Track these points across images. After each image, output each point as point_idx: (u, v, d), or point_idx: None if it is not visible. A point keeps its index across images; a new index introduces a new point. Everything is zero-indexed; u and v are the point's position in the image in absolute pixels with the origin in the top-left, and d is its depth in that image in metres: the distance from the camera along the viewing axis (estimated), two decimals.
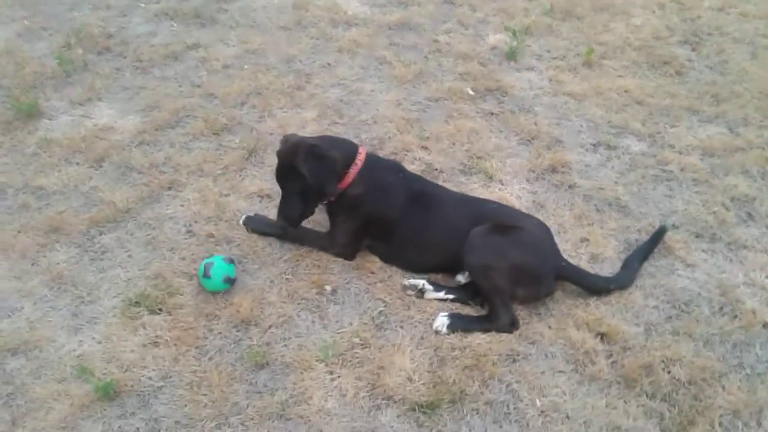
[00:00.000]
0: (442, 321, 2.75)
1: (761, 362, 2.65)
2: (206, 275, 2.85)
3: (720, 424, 2.43)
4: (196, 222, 3.20)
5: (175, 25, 4.53)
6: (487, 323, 2.77)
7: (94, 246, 3.09)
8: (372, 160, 2.97)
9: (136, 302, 2.85)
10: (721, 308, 2.83)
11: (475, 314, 2.83)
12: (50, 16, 4.67)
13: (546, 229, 2.94)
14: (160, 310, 2.83)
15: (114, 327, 2.77)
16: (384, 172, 2.97)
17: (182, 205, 3.27)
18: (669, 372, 2.60)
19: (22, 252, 3.06)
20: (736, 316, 2.79)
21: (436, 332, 2.74)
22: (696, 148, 3.57)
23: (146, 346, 2.71)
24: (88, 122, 3.77)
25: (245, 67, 4.15)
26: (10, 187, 3.38)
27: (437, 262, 2.98)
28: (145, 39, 4.37)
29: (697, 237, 3.12)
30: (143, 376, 2.60)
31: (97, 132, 3.68)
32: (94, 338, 2.74)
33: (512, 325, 2.75)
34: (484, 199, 3.10)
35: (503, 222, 2.85)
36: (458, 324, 2.76)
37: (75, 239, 3.13)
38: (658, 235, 3.02)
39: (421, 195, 2.94)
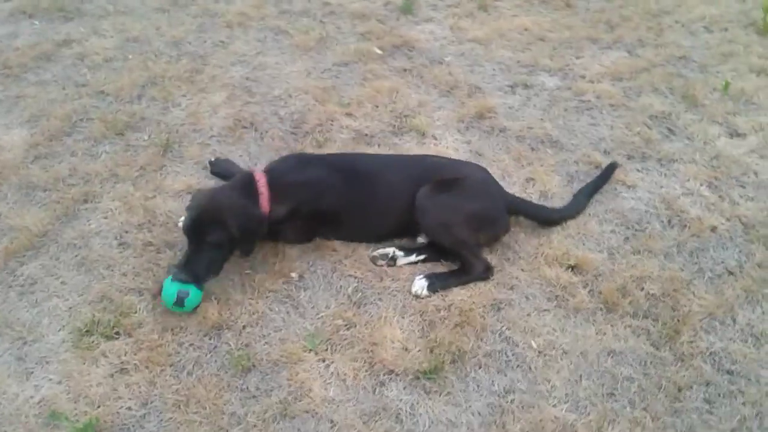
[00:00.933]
0: (420, 284, 2.70)
1: (718, 264, 2.82)
2: (179, 304, 2.58)
3: (701, 329, 2.57)
4: (126, 232, 2.92)
5: (36, 22, 4.06)
6: (463, 275, 2.75)
7: (18, 279, 2.75)
8: (274, 174, 2.76)
9: (86, 331, 2.56)
10: (669, 221, 2.98)
11: (448, 270, 2.79)
12: None
13: (485, 171, 2.96)
14: (117, 334, 2.57)
15: (70, 363, 2.48)
16: (295, 176, 2.79)
17: (105, 217, 2.97)
18: (642, 289, 2.71)
19: None
20: (685, 226, 2.94)
21: (416, 296, 2.68)
22: (605, 75, 3.70)
23: (113, 376, 2.45)
24: None
25: (129, 57, 3.80)
26: None
27: (392, 230, 2.91)
28: (6, 42, 3.89)
29: (629, 159, 3.25)
30: (120, 407, 2.36)
31: None
32: (50, 379, 2.44)
33: (487, 271, 2.76)
34: (415, 156, 3.06)
35: (443, 176, 2.81)
36: (436, 283, 2.72)
37: None
38: (609, 170, 3.11)
39: (352, 173, 2.82)
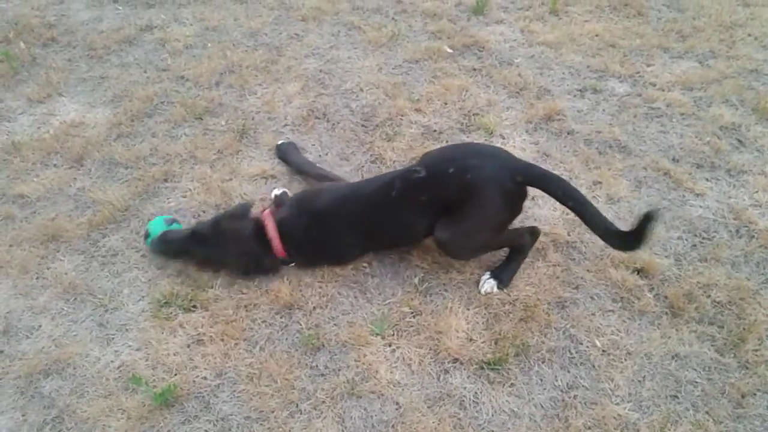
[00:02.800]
0: (490, 284, 2.73)
1: None
2: (145, 235, 2.81)
3: (767, 337, 2.57)
4: (204, 212, 3.03)
5: (120, 8, 4.22)
6: (519, 255, 2.78)
7: (101, 250, 2.89)
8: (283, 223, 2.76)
9: (165, 302, 2.69)
10: (737, 231, 2.96)
11: (505, 259, 2.80)
12: None
13: (480, 152, 2.67)
14: (194, 307, 2.69)
15: (149, 332, 2.61)
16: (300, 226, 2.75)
17: (184, 196, 3.09)
18: (709, 296, 2.70)
19: (22, 266, 2.82)
20: (753, 237, 2.93)
21: (486, 294, 2.72)
22: (675, 84, 3.69)
23: (190, 346, 2.57)
24: (54, 120, 3.47)
25: (208, 45, 3.93)
26: None
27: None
28: (91, 26, 4.06)
29: (698, 167, 3.24)
30: (196, 376, 2.47)
31: (68, 129, 3.40)
32: (130, 346, 2.57)
33: (534, 236, 2.81)
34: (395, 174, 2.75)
35: (450, 189, 2.54)
36: (505, 279, 2.75)
37: (77, 246, 2.91)
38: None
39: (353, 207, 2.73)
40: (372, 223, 2.68)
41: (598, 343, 2.56)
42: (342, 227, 2.71)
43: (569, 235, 2.92)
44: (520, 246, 2.77)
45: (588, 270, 2.81)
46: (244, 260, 2.74)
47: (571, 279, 2.78)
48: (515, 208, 2.65)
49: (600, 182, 3.16)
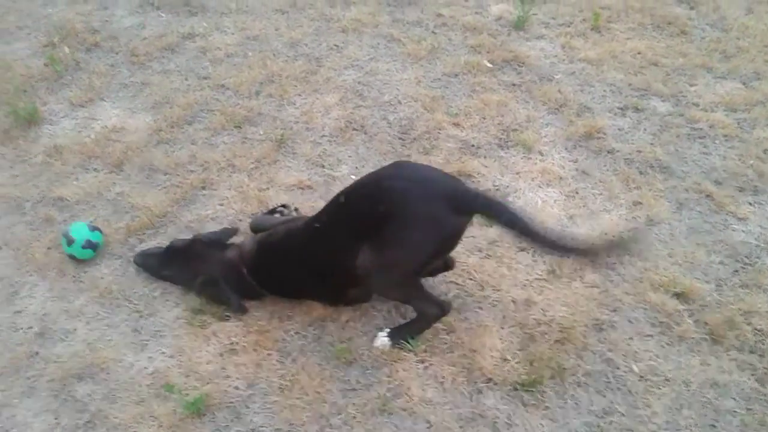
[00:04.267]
0: (382, 341, 2.57)
1: None
2: (69, 242, 2.81)
3: None
4: (240, 220, 3.04)
5: (163, 15, 4.28)
6: (422, 323, 2.57)
7: None
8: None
9: (199, 310, 2.70)
10: None
11: (406, 322, 2.62)
12: (24, 15, 4.34)
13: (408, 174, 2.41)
14: (228, 316, 2.69)
15: (183, 338, 2.61)
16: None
17: (221, 204, 3.11)
18: (750, 324, 2.63)
19: (60, 269, 2.86)
20: None
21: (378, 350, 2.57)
22: (719, 105, 3.62)
23: (223, 355, 2.57)
24: (95, 124, 3.53)
25: (249, 54, 3.96)
26: (27, 201, 3.15)
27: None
28: (134, 32, 4.11)
29: (741, 191, 3.17)
30: (228, 386, 2.47)
31: (108, 134, 3.45)
32: (163, 353, 2.58)
33: (442, 311, 2.54)
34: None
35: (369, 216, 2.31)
36: (398, 337, 2.57)
37: (114, 250, 2.94)
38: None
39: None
40: (309, 259, 2.51)
41: (635, 368, 2.51)
42: (288, 262, 2.58)
43: (608, 256, 2.87)
44: (422, 314, 2.55)
45: (626, 292, 2.75)
46: (210, 290, 2.69)
47: (608, 301, 2.73)
48: (446, 240, 2.37)
49: (640, 203, 3.11)
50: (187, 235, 2.93)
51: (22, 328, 2.67)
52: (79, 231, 2.84)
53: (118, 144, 3.39)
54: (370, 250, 2.32)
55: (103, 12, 4.34)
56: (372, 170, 3.16)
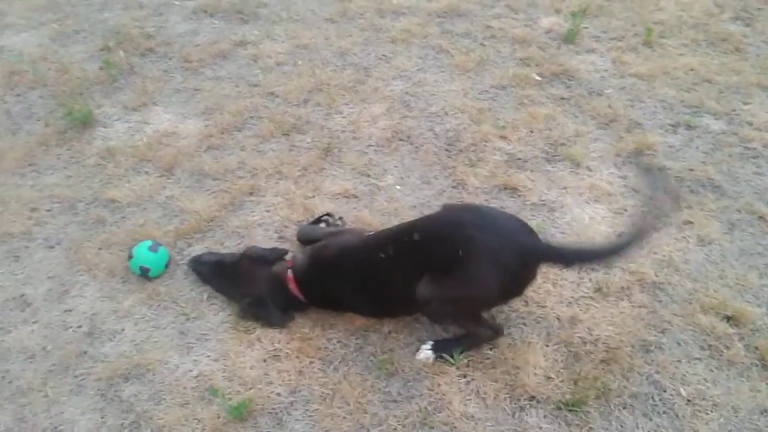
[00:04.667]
0: (426, 354, 2.57)
1: None
2: (129, 255, 2.84)
3: None
4: (286, 227, 3.07)
5: (216, 22, 4.35)
6: (471, 341, 2.58)
7: (186, 259, 2.94)
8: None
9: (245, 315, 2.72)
10: None
11: (454, 336, 2.62)
12: (81, 19, 4.46)
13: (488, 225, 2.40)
14: None
15: (228, 343, 2.65)
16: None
17: (268, 211, 3.14)
18: None
19: (109, 270, 2.92)
20: None
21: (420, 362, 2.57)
22: None
23: (267, 361, 2.59)
24: (148, 128, 3.60)
25: (299, 63, 4.00)
26: (80, 201, 3.22)
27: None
28: (188, 38, 4.19)
29: None
30: (271, 392, 2.49)
31: (160, 138, 3.52)
32: (208, 356, 2.61)
33: (495, 334, 2.58)
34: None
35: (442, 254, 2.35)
36: (442, 351, 2.56)
37: None
38: None
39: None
40: (365, 281, 2.54)
41: (683, 392, 2.45)
42: (342, 280, 2.59)
43: (656, 275, 2.82)
44: (475, 336, 2.57)
45: (675, 314, 2.70)
46: (256, 310, 2.71)
47: (656, 322, 2.68)
48: (512, 289, 2.44)
49: (690, 222, 3.04)
50: (234, 241, 2.98)
51: (71, 327, 2.73)
52: (139, 251, 2.85)
53: (170, 148, 3.45)
54: (433, 283, 2.35)
55: (157, 18, 4.43)
56: (419, 183, 3.22)
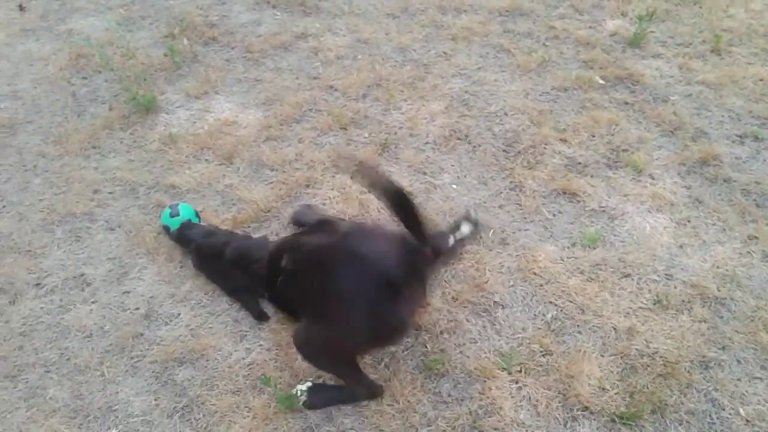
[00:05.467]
0: (300, 389, 2.44)
1: None
2: (173, 214, 2.93)
3: None
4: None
5: (278, 13, 4.37)
6: (348, 396, 2.45)
7: None
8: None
9: None
10: None
11: (336, 385, 2.47)
12: (147, 5, 4.53)
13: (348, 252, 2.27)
14: None
15: (281, 333, 2.67)
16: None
17: (324, 204, 3.15)
18: None
19: (169, 254, 2.96)
20: None
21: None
22: None
23: None
24: (209, 116, 3.64)
25: (359, 57, 4.00)
26: (141, 185, 3.28)
27: None
28: (250, 29, 4.23)
29: None
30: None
31: (221, 127, 3.55)
32: (261, 345, 2.64)
33: (373, 395, 2.42)
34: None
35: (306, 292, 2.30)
36: (317, 399, 2.43)
37: None
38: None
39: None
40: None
41: (742, 412, 2.39)
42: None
43: (719, 290, 2.74)
44: (350, 390, 2.43)
45: (737, 331, 2.62)
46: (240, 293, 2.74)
47: (717, 338, 2.60)
48: (385, 331, 2.25)
49: (756, 237, 2.95)
50: (290, 232, 2.99)
51: (129, 309, 2.78)
52: (187, 210, 2.96)
53: (230, 137, 3.48)
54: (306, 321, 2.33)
55: (221, 7, 4.48)
56: (475, 183, 3.20)
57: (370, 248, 2.25)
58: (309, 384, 2.47)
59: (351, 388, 2.43)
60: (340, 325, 2.20)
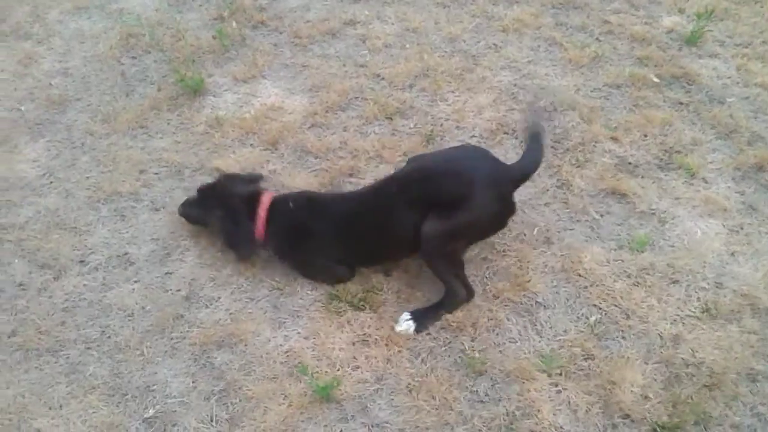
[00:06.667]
0: (407, 325, 2.62)
1: None
2: None
3: None
4: None
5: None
6: (448, 305, 2.67)
7: None
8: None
9: (336, 296, 2.73)
10: None
11: (431, 304, 2.69)
12: None
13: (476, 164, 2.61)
14: (363, 306, 2.71)
15: (319, 322, 2.66)
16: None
17: None
18: None
19: (210, 238, 2.97)
20: None
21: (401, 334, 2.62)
22: None
23: (355, 344, 2.60)
24: (255, 101, 3.63)
25: (407, 46, 3.95)
26: (186, 167, 3.30)
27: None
28: (299, 14, 4.20)
29: None
30: (358, 377, 2.49)
31: (267, 112, 3.55)
32: (299, 333, 2.64)
33: (469, 295, 2.68)
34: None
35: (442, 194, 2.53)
36: (424, 322, 2.63)
37: None
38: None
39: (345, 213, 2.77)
40: (359, 225, 2.68)
41: None
42: (326, 223, 2.72)
43: None
44: (453, 293, 2.64)
45: None
46: (225, 224, 2.81)
47: (766, 351, 2.52)
48: (503, 216, 2.64)
49: None
50: None
51: (171, 290, 2.81)
52: None
53: (275, 123, 3.48)
54: (439, 218, 2.48)
55: None
56: None
57: (485, 153, 2.73)
58: (406, 314, 2.63)
59: (453, 291, 2.63)
60: (481, 211, 2.51)
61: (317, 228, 2.72)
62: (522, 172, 2.68)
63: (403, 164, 3.15)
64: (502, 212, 2.61)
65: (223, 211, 2.80)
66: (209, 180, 3.10)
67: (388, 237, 2.66)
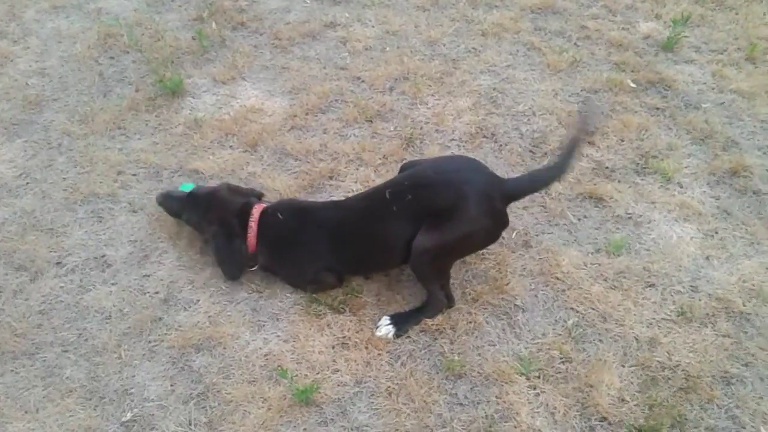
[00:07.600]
0: (386, 329, 2.62)
1: None
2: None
3: None
4: None
5: (308, 1, 4.33)
6: (428, 311, 2.67)
7: None
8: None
9: (316, 299, 2.73)
10: None
11: (411, 309, 2.70)
12: None
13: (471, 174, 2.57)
14: (343, 309, 2.70)
15: (299, 325, 2.66)
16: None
17: (345, 196, 3.12)
18: None
19: (189, 240, 2.95)
20: None
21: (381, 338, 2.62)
22: None
23: (335, 348, 2.59)
24: (235, 102, 3.62)
25: (387, 49, 3.96)
26: (165, 169, 3.27)
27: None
28: (279, 15, 4.19)
29: None
30: (338, 380, 2.49)
31: (246, 114, 3.53)
32: (278, 336, 2.63)
33: (449, 303, 2.69)
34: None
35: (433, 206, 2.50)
36: (403, 326, 2.64)
37: None
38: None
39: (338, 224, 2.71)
40: (351, 233, 2.65)
41: (763, 431, 2.35)
42: (317, 232, 2.68)
43: (745, 305, 2.70)
44: (435, 301, 2.65)
45: (761, 347, 2.58)
46: (218, 235, 2.76)
47: (741, 354, 2.56)
48: (496, 228, 2.61)
49: None
50: None
51: (149, 292, 2.78)
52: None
53: (255, 125, 3.46)
54: (432, 230, 2.45)
55: None
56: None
57: (479, 165, 2.68)
58: (386, 318, 2.64)
59: (435, 299, 2.64)
60: (474, 224, 2.47)
61: (308, 237, 2.69)
62: (518, 190, 2.64)
63: (383, 167, 3.17)
64: (494, 226, 2.57)
65: (218, 228, 2.76)
66: (195, 181, 3.09)
67: (379, 246, 2.63)
